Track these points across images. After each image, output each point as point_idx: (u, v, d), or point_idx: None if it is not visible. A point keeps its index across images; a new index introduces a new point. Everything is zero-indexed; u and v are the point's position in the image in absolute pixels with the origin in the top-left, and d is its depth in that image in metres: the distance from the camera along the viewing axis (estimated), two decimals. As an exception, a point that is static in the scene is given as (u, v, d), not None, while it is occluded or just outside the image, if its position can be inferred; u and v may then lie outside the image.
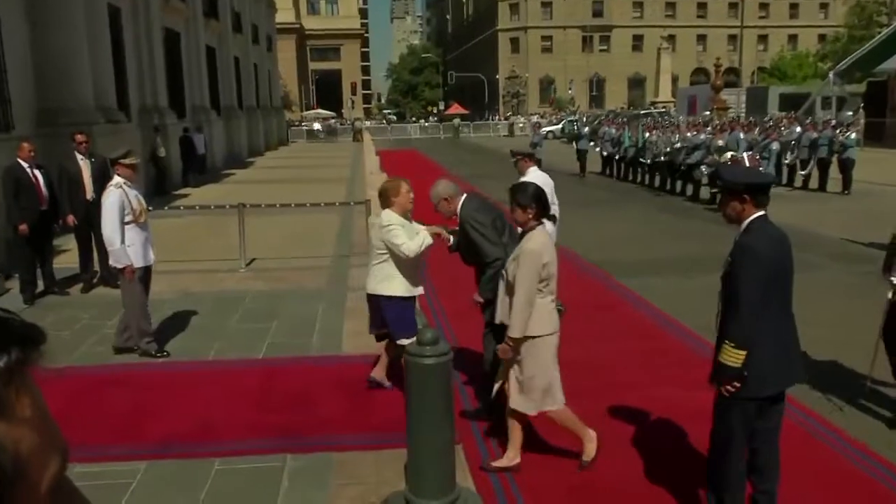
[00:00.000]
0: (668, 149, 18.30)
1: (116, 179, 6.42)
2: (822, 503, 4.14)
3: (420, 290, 5.37)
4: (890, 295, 5.25)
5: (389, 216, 5.17)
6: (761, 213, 3.43)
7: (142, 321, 6.55)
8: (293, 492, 4.23)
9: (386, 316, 5.25)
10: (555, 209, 7.02)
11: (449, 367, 3.70)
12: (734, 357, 3.33)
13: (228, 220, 11.32)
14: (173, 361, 6.54)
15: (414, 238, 5.09)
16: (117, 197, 6.31)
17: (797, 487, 4.22)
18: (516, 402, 4.26)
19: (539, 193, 4.22)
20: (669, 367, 6.13)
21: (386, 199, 5.22)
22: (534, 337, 4.12)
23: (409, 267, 5.19)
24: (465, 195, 5.10)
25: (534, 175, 7.00)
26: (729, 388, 3.38)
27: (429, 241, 5.10)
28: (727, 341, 3.34)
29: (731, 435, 3.49)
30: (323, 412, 5.33)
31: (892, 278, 5.30)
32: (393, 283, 5.19)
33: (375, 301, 5.30)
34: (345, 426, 5.09)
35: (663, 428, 5.01)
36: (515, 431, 4.39)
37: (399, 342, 5.15)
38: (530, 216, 4.14)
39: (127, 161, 6.45)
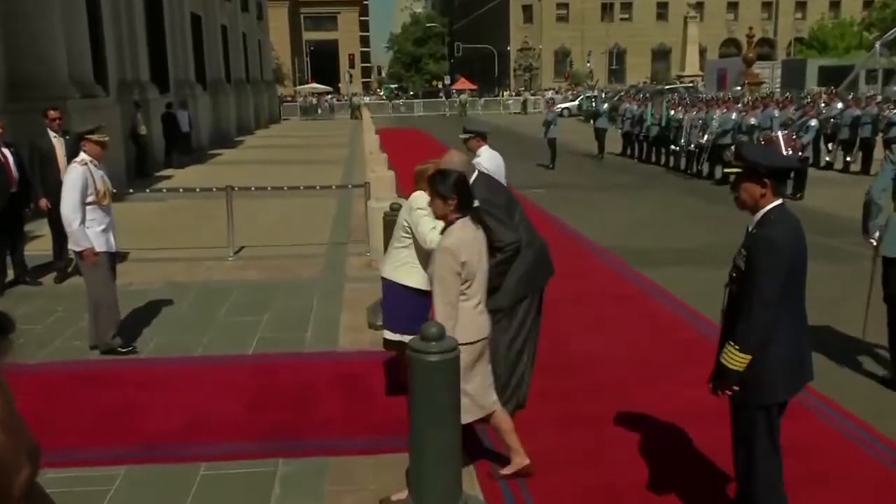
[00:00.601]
0: (702, 140, 18.05)
1: (82, 156, 6.40)
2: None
3: None
4: (874, 254, 6.01)
5: (422, 199, 5.06)
6: (779, 202, 3.40)
7: (109, 314, 6.53)
8: (285, 499, 4.24)
9: (400, 309, 5.16)
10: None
11: (456, 365, 3.69)
12: (737, 361, 3.33)
13: (215, 205, 11.33)
14: (156, 357, 6.55)
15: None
16: (80, 174, 6.28)
17: (836, 494, 4.22)
18: None
19: (461, 182, 4.07)
20: (692, 363, 6.10)
21: (425, 181, 5.18)
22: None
23: (430, 257, 5.14)
24: (476, 173, 5.09)
25: (486, 156, 7.03)
26: (728, 391, 3.40)
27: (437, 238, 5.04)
28: (732, 343, 3.33)
29: (758, 444, 3.46)
30: (318, 412, 5.34)
31: (872, 239, 6.07)
32: (413, 272, 5.11)
33: (389, 288, 5.22)
34: (341, 428, 5.09)
35: (685, 429, 5.00)
36: (508, 436, 4.38)
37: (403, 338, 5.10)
38: (451, 208, 4.01)
39: (96, 137, 6.42)
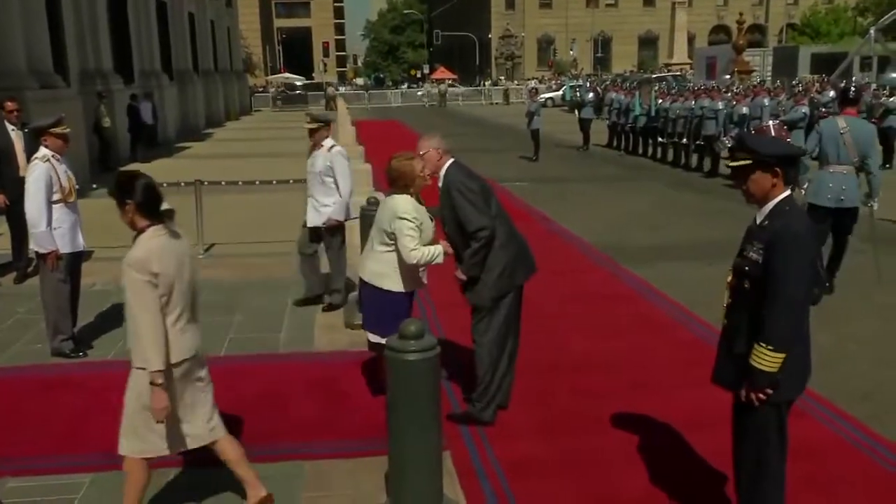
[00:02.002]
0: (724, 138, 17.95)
1: (43, 152, 6.35)
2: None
3: (424, 283, 5.27)
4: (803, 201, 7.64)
5: (406, 206, 4.95)
6: (788, 192, 3.40)
7: (59, 317, 6.49)
8: (259, 506, 4.24)
9: (387, 311, 5.07)
10: (346, 189, 7.26)
11: (436, 364, 3.71)
12: (772, 362, 3.28)
13: (183, 200, 11.15)
14: (122, 361, 6.49)
15: (422, 238, 4.96)
16: (44, 171, 6.24)
17: (835, 497, 4.28)
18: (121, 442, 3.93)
19: (145, 186, 3.80)
20: (686, 364, 6.18)
21: (401, 185, 5.01)
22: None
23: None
24: (452, 160, 5.12)
25: (336, 149, 7.15)
26: (761, 395, 3.35)
27: (440, 259, 5.00)
28: (763, 343, 3.29)
29: (769, 443, 3.45)
30: (293, 416, 5.35)
31: (802, 189, 7.88)
32: (397, 277, 5.06)
33: (373, 292, 5.14)
34: (317, 431, 5.10)
35: (681, 433, 5.04)
36: (237, 467, 4.06)
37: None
38: (129, 215, 3.81)
39: (58, 130, 6.39)
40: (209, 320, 7.44)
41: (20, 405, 5.58)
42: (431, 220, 5.13)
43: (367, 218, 7.17)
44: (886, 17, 34.12)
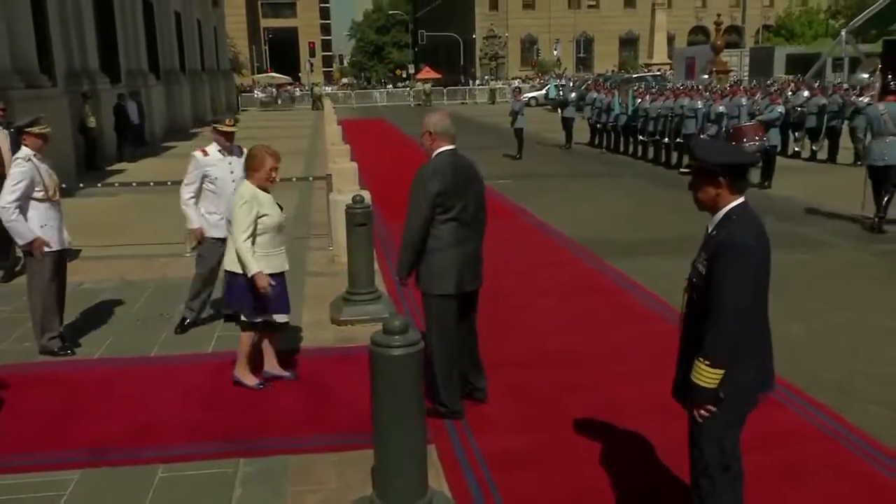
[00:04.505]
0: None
1: (25, 151, 6.28)
2: None
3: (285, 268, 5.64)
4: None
5: (243, 192, 5.38)
6: (741, 200, 3.20)
7: (47, 315, 6.43)
8: (247, 500, 4.23)
9: (269, 294, 5.35)
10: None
11: (419, 359, 3.70)
12: (710, 377, 3.13)
13: (170, 199, 11.15)
14: (110, 358, 6.48)
15: (266, 226, 5.35)
16: (23, 171, 6.13)
17: (810, 487, 4.31)
18: None
19: None
20: (669, 355, 6.16)
21: (247, 167, 5.49)
22: None
23: (278, 242, 5.53)
24: (446, 149, 4.96)
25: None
26: (703, 412, 3.21)
27: (248, 271, 5.27)
28: (702, 358, 3.14)
29: (723, 460, 3.29)
30: (279, 411, 5.33)
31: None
32: (274, 260, 5.45)
33: (234, 277, 5.41)
34: (303, 426, 5.09)
35: (663, 425, 5.01)
36: None
37: (281, 320, 5.65)
38: None
39: (37, 130, 6.32)
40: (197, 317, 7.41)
41: (8, 403, 5.53)
42: (280, 208, 5.52)
43: (353, 216, 7.16)
44: (856, 19, 34.42)
